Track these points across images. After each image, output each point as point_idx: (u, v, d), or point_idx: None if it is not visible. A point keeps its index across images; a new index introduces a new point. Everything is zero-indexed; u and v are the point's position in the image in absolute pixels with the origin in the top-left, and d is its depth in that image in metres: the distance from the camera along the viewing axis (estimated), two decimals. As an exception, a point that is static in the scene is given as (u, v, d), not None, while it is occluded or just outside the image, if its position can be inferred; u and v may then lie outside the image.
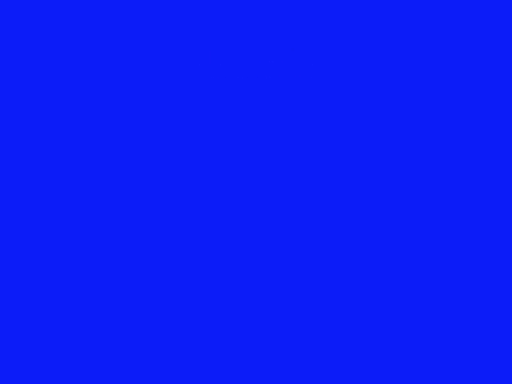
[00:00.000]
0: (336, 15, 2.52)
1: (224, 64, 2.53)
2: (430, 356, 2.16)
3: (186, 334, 2.23)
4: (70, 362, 2.18)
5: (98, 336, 2.21)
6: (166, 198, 2.39)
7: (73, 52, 2.48)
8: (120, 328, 2.22)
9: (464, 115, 2.38)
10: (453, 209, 2.31)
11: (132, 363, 2.19)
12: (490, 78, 2.41)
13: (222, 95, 2.49)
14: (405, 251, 2.27)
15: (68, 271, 2.28)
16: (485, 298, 2.19)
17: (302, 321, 2.22)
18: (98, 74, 2.49)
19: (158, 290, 2.28)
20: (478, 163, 2.34)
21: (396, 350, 2.17)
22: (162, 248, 2.33)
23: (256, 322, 2.25)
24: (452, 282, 2.23)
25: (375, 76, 2.47)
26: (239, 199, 2.38)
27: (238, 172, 2.41)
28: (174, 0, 2.56)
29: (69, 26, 2.52)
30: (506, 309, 2.16)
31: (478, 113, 2.38)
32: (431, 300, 2.21)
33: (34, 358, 2.18)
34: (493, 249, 2.23)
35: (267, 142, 2.44)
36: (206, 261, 2.32)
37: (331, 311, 2.22)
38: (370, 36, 2.49)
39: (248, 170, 2.42)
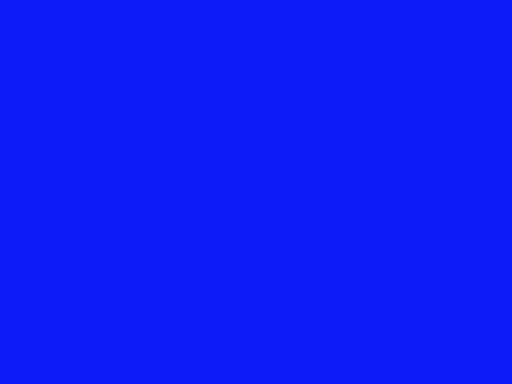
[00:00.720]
0: (336, 15, 2.52)
1: (224, 64, 2.53)
2: (429, 356, 2.16)
3: (185, 333, 2.23)
4: (70, 362, 2.17)
5: (97, 336, 2.21)
6: (166, 198, 2.39)
7: (73, 52, 2.48)
8: (120, 328, 2.22)
9: (464, 115, 2.38)
10: (452, 209, 2.31)
11: (131, 363, 2.19)
12: (489, 78, 2.41)
13: (222, 95, 2.49)
14: (404, 251, 2.27)
15: (68, 271, 2.28)
16: (485, 297, 2.18)
17: (302, 321, 2.22)
18: (96, 73, 2.49)
19: (158, 290, 2.28)
20: (478, 163, 2.34)
21: (396, 350, 2.17)
22: (162, 248, 2.32)
23: (256, 321, 2.24)
24: (452, 282, 2.22)
25: (375, 76, 2.47)
26: (239, 199, 2.38)
27: (238, 172, 2.41)
28: (175, 0, 2.56)
29: (69, 26, 2.51)
30: (506, 309, 2.16)
31: (477, 113, 2.38)
32: (431, 300, 2.21)
33: (34, 358, 2.18)
34: (493, 249, 2.23)
35: (267, 141, 2.44)
36: (206, 261, 2.31)
37: (331, 311, 2.22)
38: (370, 36, 2.49)
39: (248, 170, 2.42)
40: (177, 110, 2.47)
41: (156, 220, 2.35)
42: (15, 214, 2.32)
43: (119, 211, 2.36)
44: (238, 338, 2.22)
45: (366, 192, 2.34)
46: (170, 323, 2.24)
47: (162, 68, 2.51)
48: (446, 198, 2.32)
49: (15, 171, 2.37)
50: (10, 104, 2.43)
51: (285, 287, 2.26)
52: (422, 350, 2.16)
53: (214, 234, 2.33)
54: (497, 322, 2.15)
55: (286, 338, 2.20)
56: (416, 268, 2.24)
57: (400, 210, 2.31)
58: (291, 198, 2.36)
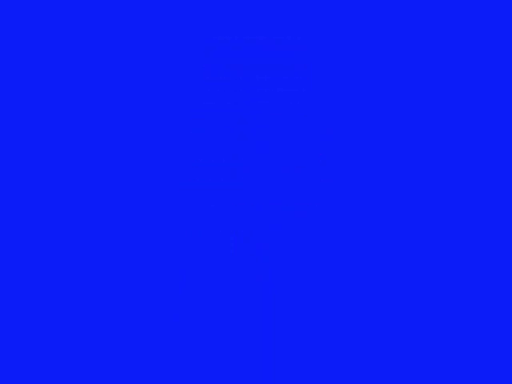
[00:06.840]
0: (336, 15, 2.52)
1: (224, 63, 2.53)
2: (429, 356, 2.16)
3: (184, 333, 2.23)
4: (70, 362, 2.18)
5: (97, 336, 2.21)
6: (165, 198, 2.39)
7: (73, 52, 2.48)
8: (119, 328, 2.23)
9: (464, 116, 2.38)
10: (452, 209, 2.30)
11: (131, 363, 2.19)
12: (489, 79, 2.40)
13: (222, 93, 2.49)
14: (403, 252, 2.27)
15: (68, 271, 2.28)
16: (485, 298, 2.18)
17: (301, 321, 2.22)
18: (96, 73, 2.49)
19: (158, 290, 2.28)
20: (478, 163, 2.34)
21: (395, 350, 2.17)
22: (162, 249, 2.33)
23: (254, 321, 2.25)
24: (451, 282, 2.22)
25: (374, 76, 2.46)
26: (238, 201, 2.38)
27: (237, 172, 2.41)
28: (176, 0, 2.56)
29: (69, 26, 2.52)
30: (506, 309, 2.16)
31: (477, 113, 2.37)
32: (430, 300, 2.21)
33: (34, 358, 2.18)
34: (493, 249, 2.23)
35: (266, 141, 2.44)
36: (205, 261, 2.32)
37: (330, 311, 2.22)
38: (370, 36, 2.49)
39: (247, 170, 2.42)
40: (175, 108, 2.47)
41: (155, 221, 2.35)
42: (15, 215, 2.33)
43: (118, 211, 2.36)
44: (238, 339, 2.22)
45: (365, 193, 2.34)
46: (168, 322, 2.24)
47: (161, 67, 2.51)
48: (446, 198, 2.32)
49: (15, 171, 2.37)
50: (10, 104, 2.43)
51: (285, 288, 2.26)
52: (422, 349, 2.16)
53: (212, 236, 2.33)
54: (497, 322, 2.15)
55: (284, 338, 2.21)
56: (416, 268, 2.24)
57: (400, 211, 2.31)
58: (289, 200, 2.36)
